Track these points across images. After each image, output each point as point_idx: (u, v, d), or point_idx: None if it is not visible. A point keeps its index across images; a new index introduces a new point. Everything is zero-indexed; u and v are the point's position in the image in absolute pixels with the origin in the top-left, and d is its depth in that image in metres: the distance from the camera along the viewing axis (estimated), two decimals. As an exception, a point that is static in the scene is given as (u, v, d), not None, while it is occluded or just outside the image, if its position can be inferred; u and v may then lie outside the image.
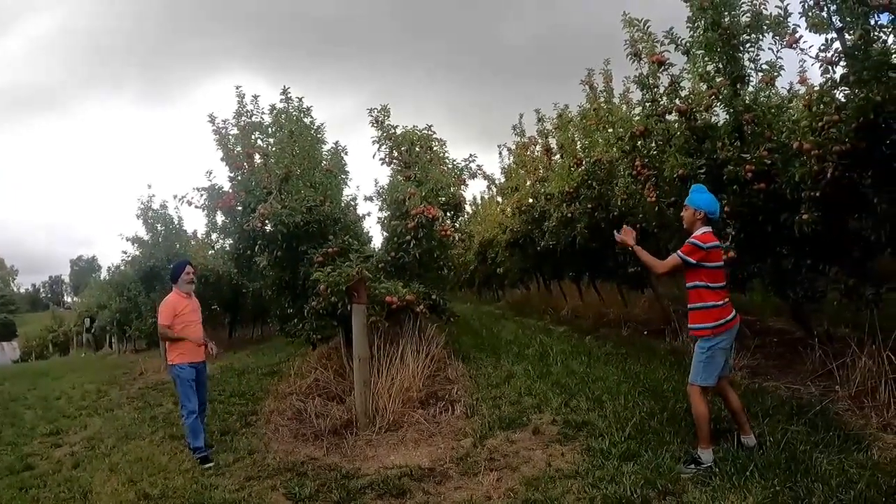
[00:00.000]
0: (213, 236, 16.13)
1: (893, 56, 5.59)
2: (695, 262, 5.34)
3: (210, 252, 18.59)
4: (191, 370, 7.29)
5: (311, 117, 11.47)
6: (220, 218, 10.91)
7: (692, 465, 5.22)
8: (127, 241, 19.02)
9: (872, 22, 5.61)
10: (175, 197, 11.44)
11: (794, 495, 4.46)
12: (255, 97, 10.91)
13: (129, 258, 20.57)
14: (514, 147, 18.89)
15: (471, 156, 11.00)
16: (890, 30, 5.52)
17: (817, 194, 6.28)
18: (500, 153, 20.54)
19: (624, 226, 6.04)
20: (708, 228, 5.45)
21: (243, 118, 10.82)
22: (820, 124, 6.19)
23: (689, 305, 5.49)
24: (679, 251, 5.40)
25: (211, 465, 6.93)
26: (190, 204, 10.68)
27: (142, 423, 9.51)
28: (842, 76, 5.99)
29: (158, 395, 12.18)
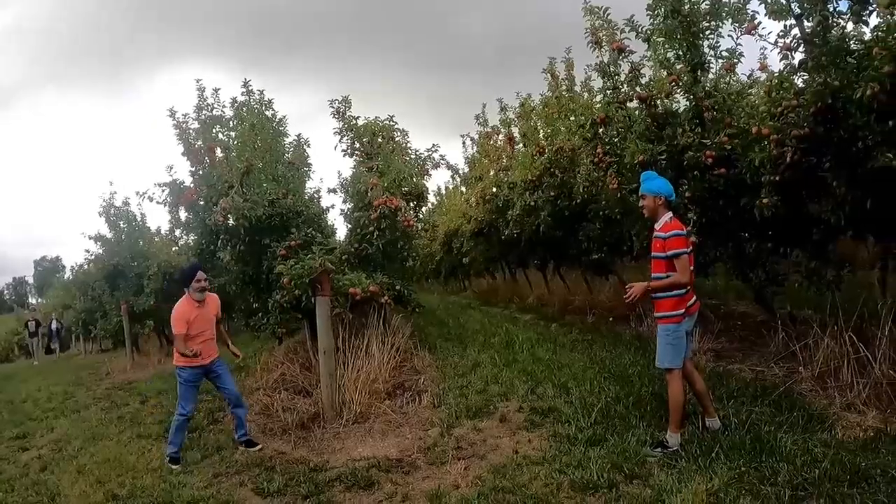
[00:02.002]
0: (177, 232, 15.97)
1: (851, 42, 5.66)
2: (691, 249, 5.38)
3: (174, 249, 18.36)
4: (193, 372, 7.00)
5: (273, 110, 11.40)
6: (183, 214, 10.79)
7: (658, 449, 5.25)
8: (90, 239, 18.80)
9: (831, 8, 5.69)
10: (137, 193, 11.29)
11: (760, 475, 4.52)
12: (216, 90, 10.80)
13: (93, 257, 20.30)
14: (477, 137, 18.92)
15: (433, 146, 11.01)
16: (848, 16, 5.58)
17: (777, 179, 6.33)
18: (464, 143, 20.58)
19: (631, 286, 5.78)
20: (671, 213, 5.45)
21: (204, 112, 10.68)
22: (779, 110, 6.25)
23: (654, 295, 5.47)
24: (673, 250, 5.26)
25: (179, 466, 6.79)
26: (151, 200, 10.54)
27: (109, 424, 9.35)
28: (800, 62, 6.06)
29: (125, 395, 12.00)
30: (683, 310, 5.32)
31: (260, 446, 6.98)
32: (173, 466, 6.79)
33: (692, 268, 5.41)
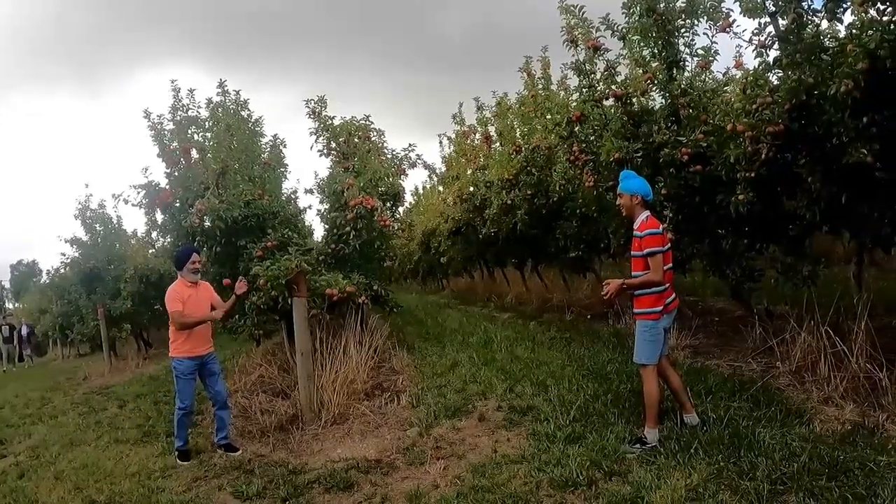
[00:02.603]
0: (154, 234, 15.85)
1: (826, 39, 5.70)
2: (669, 247, 5.39)
3: (151, 251, 18.22)
4: (190, 364, 6.89)
5: (249, 110, 11.34)
6: (159, 216, 10.68)
7: (637, 445, 5.26)
8: (66, 242, 18.56)
9: (805, 6, 5.72)
10: (113, 196, 11.16)
11: (739, 470, 4.53)
12: (191, 91, 10.67)
13: (69, 261, 20.04)
14: (454, 136, 18.90)
15: (410, 145, 10.99)
16: (823, 14, 5.62)
17: (752, 175, 6.37)
18: (441, 142, 20.55)
19: (607, 282, 5.77)
20: (648, 212, 5.46)
21: (179, 113, 10.54)
22: (754, 106, 6.27)
23: (635, 293, 5.47)
24: (648, 249, 5.26)
25: (188, 462, 6.78)
26: (127, 202, 10.42)
27: (87, 429, 9.23)
28: (775, 59, 6.09)
29: (103, 400, 11.86)
30: (662, 307, 5.33)
31: (240, 451, 6.90)
32: (181, 462, 6.78)
33: (670, 266, 5.44)
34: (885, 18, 5.08)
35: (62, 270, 22.90)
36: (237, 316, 10.09)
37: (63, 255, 20.47)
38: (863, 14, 5.28)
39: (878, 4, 5.07)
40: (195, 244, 9.66)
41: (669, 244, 5.55)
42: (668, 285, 5.39)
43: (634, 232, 5.41)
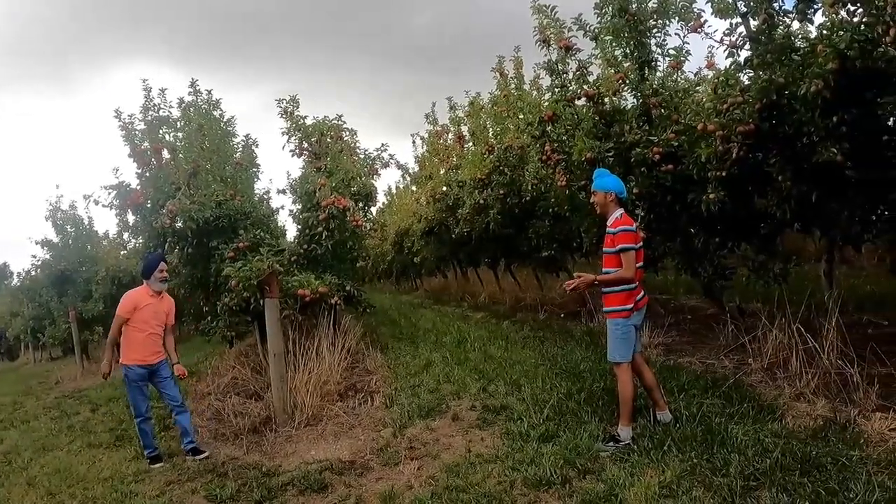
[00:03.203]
0: (125, 236, 15.66)
1: (796, 40, 5.76)
2: (641, 245, 5.41)
3: (122, 252, 18.05)
4: (141, 371, 6.80)
5: (221, 110, 11.26)
6: (130, 217, 10.57)
7: (611, 443, 5.27)
8: (36, 244, 18.29)
9: (776, 7, 5.79)
10: (84, 197, 11.02)
11: (712, 466, 4.55)
12: (163, 90, 10.55)
13: (40, 263, 19.79)
14: (427, 136, 18.92)
15: (383, 145, 10.97)
16: (794, 15, 5.68)
17: (723, 174, 6.41)
18: (414, 142, 20.57)
19: (576, 275, 5.66)
20: (622, 210, 5.49)
21: (150, 113, 10.43)
22: (725, 106, 6.32)
23: (604, 289, 5.49)
24: (621, 244, 5.29)
25: (161, 465, 6.72)
26: (97, 203, 10.30)
27: (59, 434, 9.10)
28: (746, 59, 6.15)
29: (75, 404, 11.69)
30: (632, 304, 5.35)
31: (207, 454, 6.81)
32: (154, 466, 6.70)
33: (641, 264, 5.47)
34: (855, 19, 5.14)
35: (33, 273, 22.64)
36: (210, 317, 10.01)
37: (34, 257, 20.29)
38: (833, 15, 5.35)
39: (849, 5, 5.15)
40: (166, 245, 9.59)
41: (641, 242, 5.58)
42: (637, 283, 5.43)
43: (608, 229, 5.44)
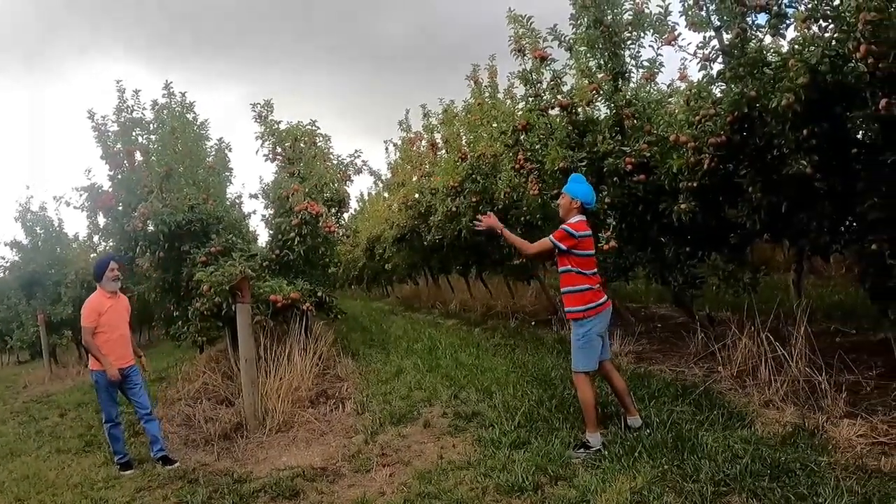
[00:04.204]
0: (96, 238, 15.49)
1: (768, 54, 5.85)
2: (566, 248, 5.43)
3: (93, 255, 17.87)
4: (107, 377, 6.66)
5: (195, 113, 11.23)
6: (101, 219, 10.48)
7: (582, 450, 5.30)
8: (5, 246, 18.23)
9: (749, 21, 5.88)
10: (55, 198, 10.91)
11: (682, 473, 4.60)
12: (137, 92, 10.52)
13: (8, 264, 19.59)
14: (400, 142, 18.92)
15: (356, 151, 11.00)
16: (766, 29, 5.77)
17: (695, 185, 6.49)
18: (387, 149, 20.60)
19: (487, 213, 5.98)
20: (582, 217, 5.54)
21: (124, 114, 10.35)
22: (697, 118, 6.40)
23: (561, 289, 5.59)
24: (551, 236, 5.47)
25: (132, 471, 6.64)
26: (69, 205, 10.21)
27: (27, 439, 8.99)
28: (718, 72, 6.24)
29: (44, 409, 11.54)
30: (584, 305, 5.43)
31: (177, 463, 6.72)
32: (124, 472, 6.63)
33: (594, 270, 5.59)
34: (826, 35, 5.23)
35: (1, 275, 22.33)
36: (180, 322, 9.94)
37: (2, 258, 20.00)
38: (805, 30, 5.44)
39: (821, 21, 5.23)
40: (137, 248, 9.50)
41: (593, 249, 5.66)
42: (595, 286, 5.51)
43: (565, 227, 5.52)
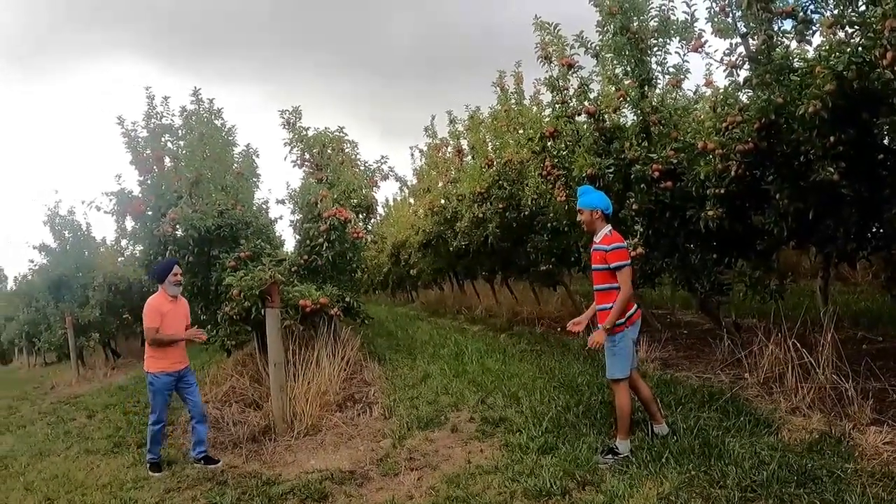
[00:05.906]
0: (123, 243, 15.64)
1: (795, 60, 5.84)
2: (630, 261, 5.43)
3: (120, 259, 18.08)
4: (168, 380, 6.82)
5: (222, 119, 11.28)
6: (129, 223, 10.61)
7: (610, 456, 5.32)
8: (34, 249, 18.30)
9: (775, 28, 5.86)
10: (83, 203, 11.04)
11: (709, 479, 4.61)
12: (166, 98, 10.61)
13: (37, 267, 19.82)
14: (426, 148, 18.99)
15: (382, 157, 11.07)
16: (792, 35, 5.76)
17: (722, 191, 6.50)
18: (412, 154, 20.68)
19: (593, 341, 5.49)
20: (611, 226, 5.50)
21: (153, 120, 10.49)
22: (724, 125, 6.41)
23: (604, 305, 5.44)
24: (616, 262, 5.29)
25: (161, 473, 6.72)
26: (98, 209, 10.34)
27: (56, 439, 9.08)
28: (745, 79, 6.22)
29: (71, 410, 11.67)
30: (625, 319, 5.39)
31: (220, 462, 6.81)
32: (153, 474, 6.70)
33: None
34: (852, 41, 5.22)
35: (29, 277, 22.62)
36: (209, 326, 10.04)
37: (31, 261, 20.26)
38: (831, 36, 5.42)
39: (847, 27, 5.22)
40: (167, 253, 9.61)
41: (631, 259, 5.62)
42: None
43: (596, 245, 5.45)
